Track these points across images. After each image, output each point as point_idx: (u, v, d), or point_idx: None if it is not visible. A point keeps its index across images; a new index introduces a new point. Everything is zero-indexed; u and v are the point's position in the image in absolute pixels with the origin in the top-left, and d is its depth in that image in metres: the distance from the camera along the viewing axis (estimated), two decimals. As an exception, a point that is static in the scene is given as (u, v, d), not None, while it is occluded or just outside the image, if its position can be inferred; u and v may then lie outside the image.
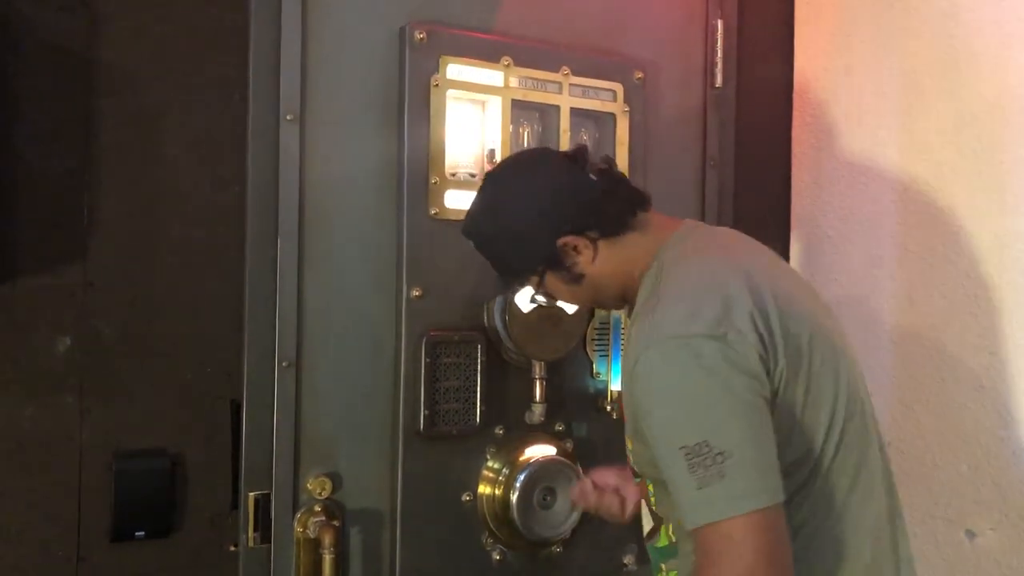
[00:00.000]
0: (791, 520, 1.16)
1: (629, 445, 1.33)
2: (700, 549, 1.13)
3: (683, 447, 1.12)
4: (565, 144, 1.83)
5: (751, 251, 1.39)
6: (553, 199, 1.36)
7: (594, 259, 1.36)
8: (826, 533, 1.24)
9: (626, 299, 1.41)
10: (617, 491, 1.59)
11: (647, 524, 1.45)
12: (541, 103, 1.84)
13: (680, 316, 1.19)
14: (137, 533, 1.60)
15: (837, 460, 1.24)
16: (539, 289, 1.44)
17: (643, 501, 1.45)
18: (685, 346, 1.16)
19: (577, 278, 1.38)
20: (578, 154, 1.40)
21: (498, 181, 1.43)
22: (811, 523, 1.24)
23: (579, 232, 1.34)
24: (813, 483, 1.23)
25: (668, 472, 1.16)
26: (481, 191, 1.44)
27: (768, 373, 1.18)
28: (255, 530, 1.59)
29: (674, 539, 1.34)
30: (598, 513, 1.62)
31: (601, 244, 1.35)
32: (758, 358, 1.16)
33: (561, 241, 1.35)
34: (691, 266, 1.29)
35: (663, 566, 1.38)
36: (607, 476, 1.62)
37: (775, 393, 1.19)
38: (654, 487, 1.33)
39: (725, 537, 1.10)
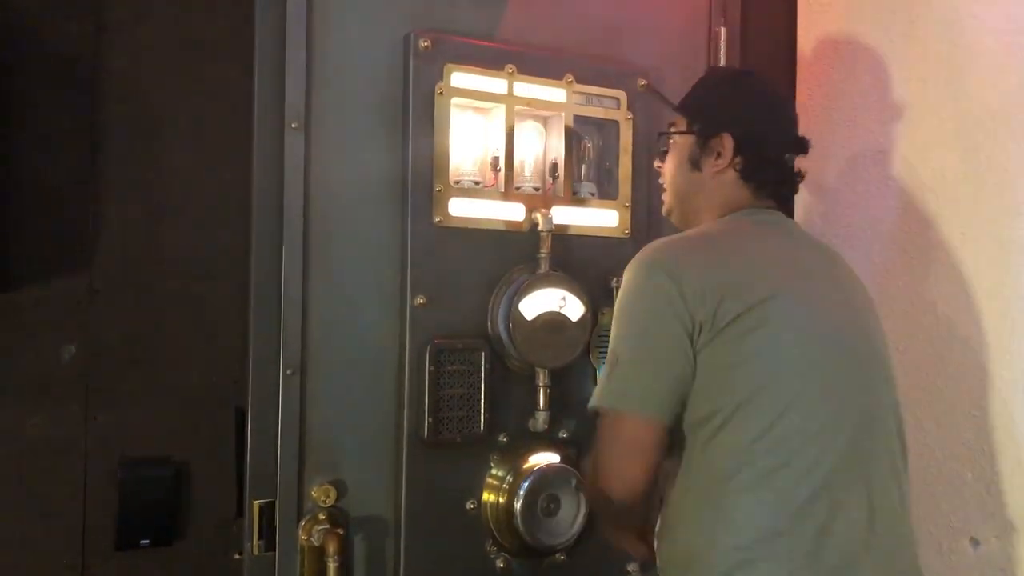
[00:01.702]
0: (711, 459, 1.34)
1: None
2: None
3: (611, 348, 1.41)
4: (571, 152, 1.84)
5: (792, 247, 1.51)
6: (765, 113, 1.57)
7: (716, 174, 1.54)
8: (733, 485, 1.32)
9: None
10: None
11: None
12: (545, 111, 1.84)
13: (662, 249, 1.43)
14: (142, 541, 1.60)
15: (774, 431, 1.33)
16: (669, 139, 1.61)
17: None
18: (641, 269, 1.40)
19: (696, 164, 1.56)
20: (800, 135, 1.60)
21: (758, 76, 1.68)
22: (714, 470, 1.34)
23: (738, 147, 1.52)
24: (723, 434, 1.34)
25: None
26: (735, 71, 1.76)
27: (703, 322, 1.34)
28: (260, 538, 1.59)
29: None
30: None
31: (732, 174, 1.53)
32: (695, 308, 1.34)
33: (726, 135, 1.52)
34: (716, 231, 1.49)
35: None
36: None
37: (710, 339, 1.34)
38: None
39: (601, 419, 1.41)
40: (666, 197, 1.63)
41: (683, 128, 1.59)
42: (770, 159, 1.55)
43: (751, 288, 1.36)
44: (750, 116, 1.56)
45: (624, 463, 1.36)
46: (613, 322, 1.43)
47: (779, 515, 1.30)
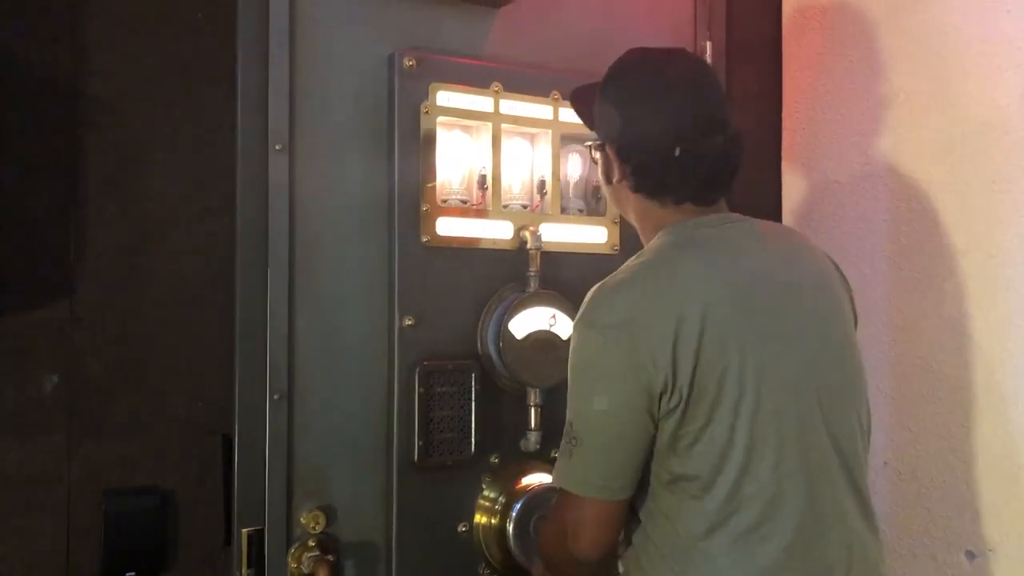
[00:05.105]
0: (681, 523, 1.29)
1: None
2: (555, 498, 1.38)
3: (567, 417, 1.33)
4: (559, 169, 1.83)
5: (740, 261, 1.34)
6: (644, 107, 1.38)
7: (620, 179, 1.42)
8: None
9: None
10: None
11: None
12: (532, 128, 1.83)
13: (605, 305, 1.30)
14: (128, 573, 1.56)
15: (744, 488, 1.27)
16: (593, 152, 1.49)
17: None
18: (591, 334, 1.29)
19: (608, 178, 1.45)
20: (706, 114, 1.37)
21: (647, 58, 1.45)
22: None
23: (619, 156, 1.40)
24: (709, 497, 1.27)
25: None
26: (635, 54, 1.47)
27: (662, 392, 1.25)
28: (249, 567, 1.56)
29: None
30: None
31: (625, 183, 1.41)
32: (653, 371, 1.24)
33: (608, 144, 1.42)
34: (657, 263, 1.33)
35: None
36: None
37: (670, 411, 1.26)
38: None
39: (561, 500, 1.35)
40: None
41: (593, 141, 1.47)
42: (652, 161, 1.35)
43: (708, 348, 1.24)
44: (627, 115, 1.38)
45: (594, 536, 1.30)
46: (570, 385, 1.32)
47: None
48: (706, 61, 1.47)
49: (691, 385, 1.25)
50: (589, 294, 1.33)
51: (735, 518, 1.26)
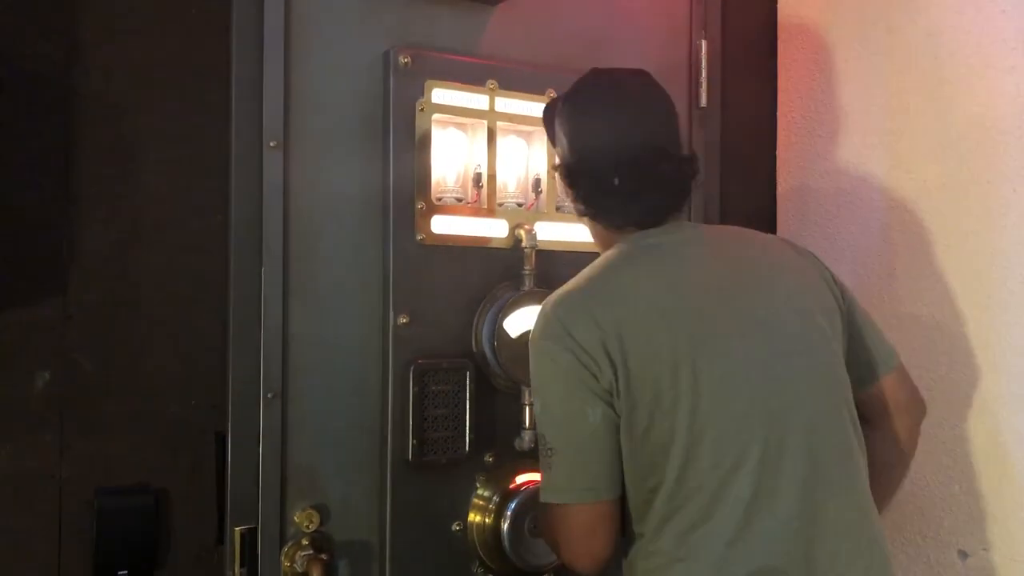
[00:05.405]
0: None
1: None
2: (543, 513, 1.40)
3: (539, 432, 1.37)
4: (550, 166, 1.83)
5: (677, 269, 1.38)
6: (578, 142, 1.43)
7: (573, 201, 1.48)
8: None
9: None
10: None
11: None
12: (527, 126, 1.83)
13: (550, 318, 1.35)
14: (120, 572, 1.56)
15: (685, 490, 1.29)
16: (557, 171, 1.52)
17: None
18: (543, 345, 1.35)
19: (568, 190, 1.49)
20: (650, 143, 1.40)
21: (597, 86, 1.47)
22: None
23: (566, 181, 1.46)
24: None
25: None
26: (589, 77, 1.49)
27: (612, 392, 1.30)
28: (242, 565, 1.55)
29: None
30: None
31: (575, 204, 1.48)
32: (599, 372, 1.29)
33: (560, 165, 1.47)
34: (594, 276, 1.38)
35: None
36: None
37: (620, 412, 1.31)
38: None
39: (547, 514, 1.38)
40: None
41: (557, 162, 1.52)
42: (593, 189, 1.42)
43: (636, 354, 1.29)
44: (572, 143, 1.43)
45: (589, 544, 1.33)
46: (534, 399, 1.40)
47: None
48: (660, 86, 1.47)
49: (628, 391, 1.29)
50: (539, 310, 1.39)
51: (679, 515, 1.29)
